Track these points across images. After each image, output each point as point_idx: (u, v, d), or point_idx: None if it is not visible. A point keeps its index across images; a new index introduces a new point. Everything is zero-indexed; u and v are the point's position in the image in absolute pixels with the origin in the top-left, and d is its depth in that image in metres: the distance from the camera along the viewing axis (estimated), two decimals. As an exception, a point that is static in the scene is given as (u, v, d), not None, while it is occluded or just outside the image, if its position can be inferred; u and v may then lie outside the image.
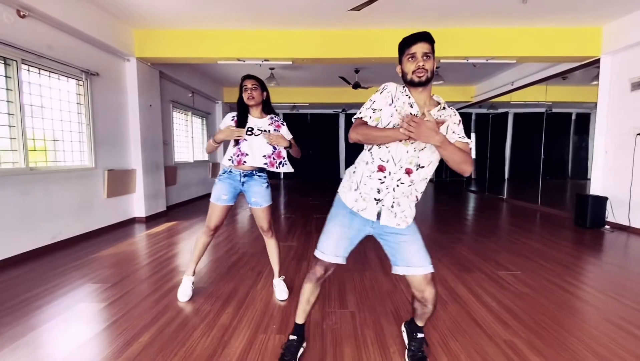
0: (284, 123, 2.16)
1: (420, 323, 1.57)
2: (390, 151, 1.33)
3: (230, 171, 2.11)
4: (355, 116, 1.41)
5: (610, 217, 4.38)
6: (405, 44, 1.33)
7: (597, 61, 4.64)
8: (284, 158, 2.11)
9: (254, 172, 2.12)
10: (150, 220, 4.86)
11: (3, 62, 2.92)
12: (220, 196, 2.10)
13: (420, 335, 1.57)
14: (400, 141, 1.29)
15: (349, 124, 12.07)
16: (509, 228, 4.41)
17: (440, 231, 4.20)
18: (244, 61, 4.78)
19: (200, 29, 4.56)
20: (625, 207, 4.22)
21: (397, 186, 1.37)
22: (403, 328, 1.71)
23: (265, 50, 4.69)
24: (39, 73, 3.30)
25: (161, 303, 2.15)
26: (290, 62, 4.85)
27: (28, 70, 3.16)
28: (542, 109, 6.18)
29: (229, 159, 2.07)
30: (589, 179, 4.84)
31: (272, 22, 4.36)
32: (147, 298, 2.21)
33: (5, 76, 2.94)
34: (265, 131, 2.06)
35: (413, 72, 1.31)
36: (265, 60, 4.78)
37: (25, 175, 3.09)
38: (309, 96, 8.81)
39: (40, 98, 3.30)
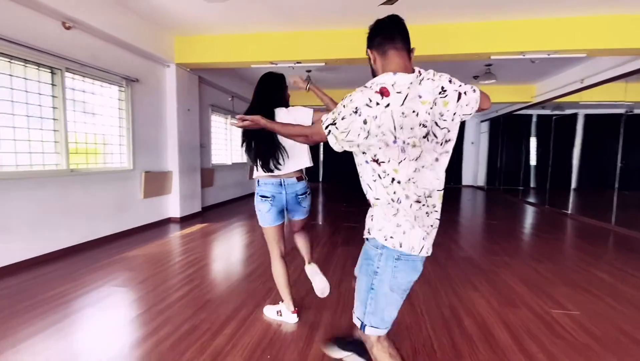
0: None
1: None
2: None
3: None
4: None
5: None
6: None
7: (698, 51, 3.77)
8: None
9: None
10: (185, 220, 5.00)
11: (50, 71, 3.15)
12: None
13: None
14: None
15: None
16: (572, 253, 3.75)
17: (485, 251, 3.69)
18: (276, 64, 4.71)
19: (234, 33, 4.58)
20: None
21: None
22: None
23: (298, 52, 4.56)
24: (83, 80, 3.52)
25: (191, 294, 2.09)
26: (323, 64, 4.67)
27: (73, 77, 3.38)
28: (621, 110, 5.23)
29: None
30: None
31: (304, 23, 4.22)
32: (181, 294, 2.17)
33: (52, 84, 3.17)
34: None
35: None
36: (298, 62, 4.65)
37: (66, 176, 3.30)
38: (342, 97, 8.52)
39: (83, 104, 3.53)
